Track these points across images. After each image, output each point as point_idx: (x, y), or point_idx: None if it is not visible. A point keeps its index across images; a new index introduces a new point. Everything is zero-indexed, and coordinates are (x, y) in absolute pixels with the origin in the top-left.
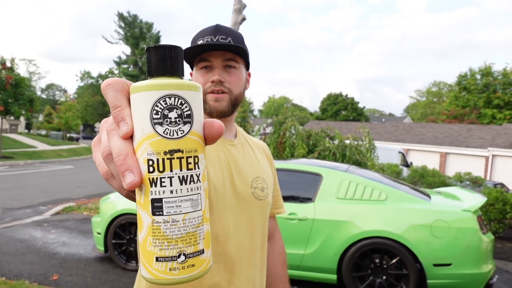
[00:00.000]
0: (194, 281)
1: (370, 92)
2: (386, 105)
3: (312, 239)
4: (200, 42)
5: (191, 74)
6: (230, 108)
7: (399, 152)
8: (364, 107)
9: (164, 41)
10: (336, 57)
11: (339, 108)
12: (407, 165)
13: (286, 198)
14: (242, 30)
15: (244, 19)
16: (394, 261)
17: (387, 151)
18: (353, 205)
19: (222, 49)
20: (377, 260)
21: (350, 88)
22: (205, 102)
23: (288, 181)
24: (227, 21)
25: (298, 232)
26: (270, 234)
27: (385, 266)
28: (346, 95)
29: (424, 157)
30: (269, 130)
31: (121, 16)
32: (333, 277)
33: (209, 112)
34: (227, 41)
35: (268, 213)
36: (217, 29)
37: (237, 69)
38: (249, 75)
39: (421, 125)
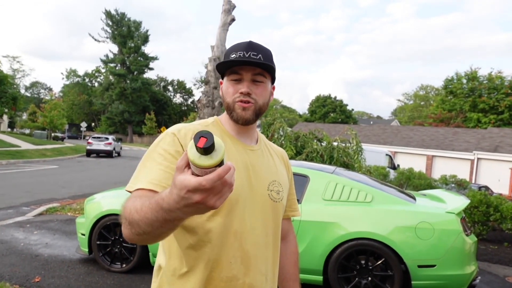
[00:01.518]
0: (213, 272)
1: (358, 94)
2: (374, 108)
3: (299, 240)
4: (233, 56)
5: (221, 83)
6: (254, 117)
7: (387, 154)
8: (352, 110)
9: (152, 39)
10: (325, 59)
11: (328, 110)
12: (394, 167)
13: None
14: (232, 30)
15: (233, 19)
16: (379, 262)
17: (375, 154)
18: (339, 207)
19: (253, 65)
20: (362, 262)
21: (339, 91)
22: (233, 110)
23: None
24: (216, 22)
25: None
26: (284, 234)
27: (370, 267)
28: (335, 98)
29: (411, 159)
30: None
31: (108, 14)
32: (319, 278)
33: (236, 119)
34: (257, 57)
35: (282, 214)
36: (249, 46)
37: (263, 83)
38: (273, 88)
39: (408, 128)
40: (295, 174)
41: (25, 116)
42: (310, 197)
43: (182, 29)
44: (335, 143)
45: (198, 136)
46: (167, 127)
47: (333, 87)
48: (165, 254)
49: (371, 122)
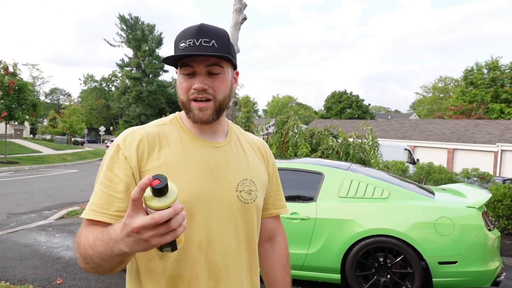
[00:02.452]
0: None
1: (375, 89)
2: (392, 102)
3: (315, 238)
4: (182, 45)
5: (176, 73)
6: (215, 115)
7: (405, 149)
8: (369, 105)
9: (166, 42)
10: (340, 55)
11: (344, 106)
12: (413, 162)
13: (288, 198)
14: (244, 29)
15: (245, 18)
16: (398, 259)
17: (393, 149)
18: (355, 204)
19: (205, 55)
20: (381, 259)
21: (355, 86)
22: (189, 109)
23: (289, 181)
24: (228, 21)
25: (301, 232)
26: (270, 235)
27: (389, 264)
28: (351, 93)
29: (431, 153)
30: (272, 129)
31: (122, 19)
32: (337, 276)
33: (193, 120)
34: (210, 44)
35: (257, 216)
36: (200, 31)
37: (221, 73)
38: (237, 73)
39: (427, 121)
40: (309, 172)
41: (46, 122)
42: (325, 194)
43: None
44: (350, 139)
45: (155, 177)
46: None
47: (349, 83)
48: (128, 273)
49: (389, 117)
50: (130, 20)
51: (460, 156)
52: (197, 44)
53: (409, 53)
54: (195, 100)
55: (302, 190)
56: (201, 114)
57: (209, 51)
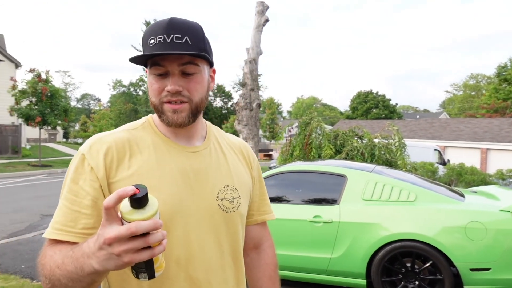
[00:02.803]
0: None
1: (403, 88)
2: (420, 101)
3: (339, 242)
4: (151, 41)
5: (146, 72)
6: (191, 118)
7: (435, 149)
8: (396, 104)
9: None
10: (366, 53)
11: (370, 106)
12: (444, 163)
13: (310, 201)
14: (266, 31)
15: (267, 20)
16: (427, 265)
17: (422, 149)
18: (380, 207)
19: (177, 53)
20: (408, 264)
21: (382, 85)
22: (162, 112)
23: (311, 183)
24: (250, 23)
25: (324, 236)
26: (256, 243)
27: (417, 270)
28: (377, 93)
29: (463, 154)
30: (295, 131)
31: (148, 24)
32: (362, 282)
33: (167, 123)
34: (183, 40)
35: (242, 225)
36: (170, 26)
37: (197, 73)
38: (213, 72)
39: (458, 120)
40: (332, 174)
41: (77, 127)
42: (349, 197)
43: (215, 32)
44: (376, 140)
45: (134, 186)
46: None
47: (375, 82)
48: None
49: (418, 116)
50: None
51: (494, 156)
52: (168, 40)
53: (438, 50)
54: (169, 102)
55: (325, 192)
56: (175, 117)
57: (182, 48)
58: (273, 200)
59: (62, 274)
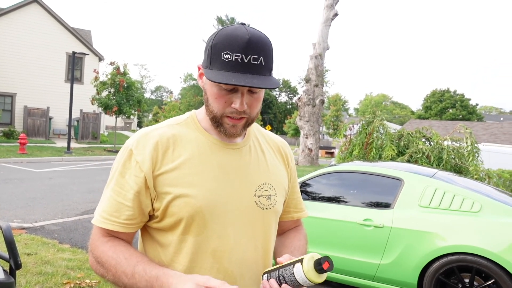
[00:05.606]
0: None
1: (486, 86)
2: (507, 102)
3: (389, 248)
4: (227, 56)
5: (199, 68)
6: (244, 130)
7: None
8: (476, 105)
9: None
10: (443, 47)
11: (446, 106)
12: None
13: (362, 204)
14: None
15: (336, 14)
16: (488, 283)
17: (503, 155)
18: (438, 215)
19: (257, 87)
20: (466, 280)
21: (461, 83)
22: (220, 124)
23: (365, 185)
24: (317, 17)
25: (374, 240)
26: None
27: (476, 287)
28: (455, 91)
29: None
30: (356, 129)
31: (219, 20)
32: None
33: (224, 134)
34: (258, 61)
35: (275, 222)
36: (249, 45)
37: (260, 91)
38: None
39: None
40: (387, 177)
41: (150, 117)
42: (404, 202)
43: (283, 26)
44: (445, 143)
45: (324, 259)
46: (272, 126)
47: (453, 80)
48: None
49: (501, 119)
50: (227, 21)
51: None
52: (246, 61)
53: None
54: (231, 117)
55: (378, 195)
56: (233, 130)
57: (257, 69)
58: (324, 199)
59: (129, 284)
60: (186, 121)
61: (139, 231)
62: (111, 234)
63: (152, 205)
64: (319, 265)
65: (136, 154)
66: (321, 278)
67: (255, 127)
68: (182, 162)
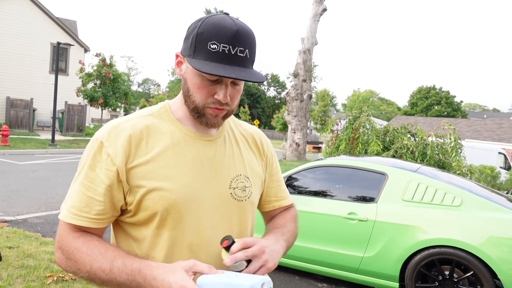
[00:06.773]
0: None
1: (471, 84)
2: (490, 100)
3: (373, 242)
4: (213, 47)
5: (177, 56)
6: (223, 121)
7: (500, 153)
8: (461, 102)
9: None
10: (431, 45)
11: (431, 102)
12: (509, 168)
13: (346, 197)
14: (323, 21)
15: (325, 9)
16: (467, 275)
17: (485, 152)
18: (421, 209)
19: (244, 80)
20: (446, 272)
21: (447, 80)
22: (202, 115)
23: (349, 179)
24: (306, 12)
25: (358, 234)
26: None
27: (456, 279)
28: (440, 88)
29: None
30: (343, 124)
31: (208, 13)
32: (395, 285)
33: (205, 125)
34: (244, 53)
35: (252, 213)
36: (237, 37)
37: (242, 83)
38: None
39: None
40: (371, 171)
41: (137, 109)
42: (388, 196)
43: (275, 21)
44: (430, 139)
45: (225, 239)
46: (260, 120)
47: (440, 77)
48: None
49: (485, 116)
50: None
51: None
52: (232, 52)
53: None
54: (215, 108)
55: (362, 190)
56: (215, 120)
57: (243, 62)
58: (310, 193)
59: (107, 279)
60: (159, 112)
61: (111, 225)
62: (82, 229)
63: (125, 199)
64: (220, 244)
65: (108, 147)
66: (226, 255)
67: (230, 117)
68: (156, 155)
